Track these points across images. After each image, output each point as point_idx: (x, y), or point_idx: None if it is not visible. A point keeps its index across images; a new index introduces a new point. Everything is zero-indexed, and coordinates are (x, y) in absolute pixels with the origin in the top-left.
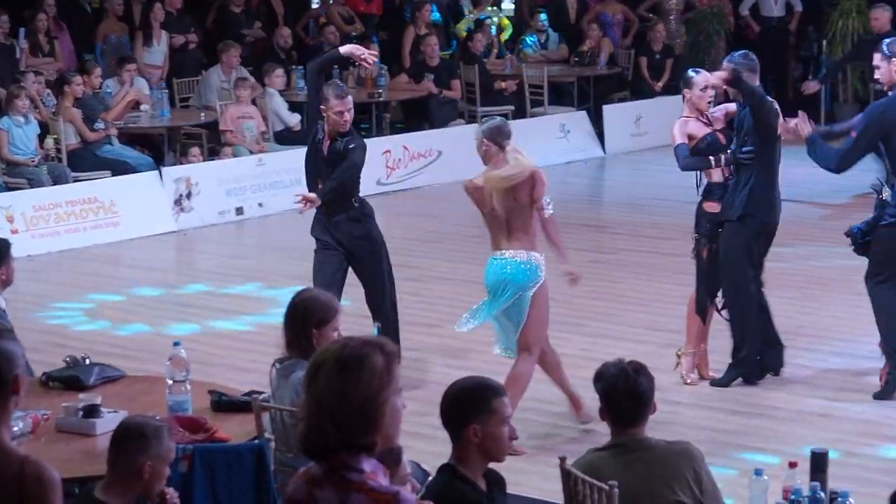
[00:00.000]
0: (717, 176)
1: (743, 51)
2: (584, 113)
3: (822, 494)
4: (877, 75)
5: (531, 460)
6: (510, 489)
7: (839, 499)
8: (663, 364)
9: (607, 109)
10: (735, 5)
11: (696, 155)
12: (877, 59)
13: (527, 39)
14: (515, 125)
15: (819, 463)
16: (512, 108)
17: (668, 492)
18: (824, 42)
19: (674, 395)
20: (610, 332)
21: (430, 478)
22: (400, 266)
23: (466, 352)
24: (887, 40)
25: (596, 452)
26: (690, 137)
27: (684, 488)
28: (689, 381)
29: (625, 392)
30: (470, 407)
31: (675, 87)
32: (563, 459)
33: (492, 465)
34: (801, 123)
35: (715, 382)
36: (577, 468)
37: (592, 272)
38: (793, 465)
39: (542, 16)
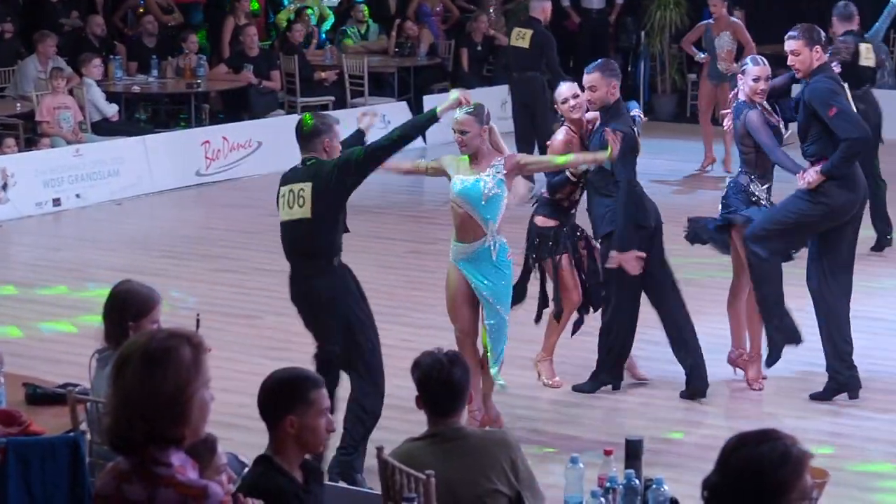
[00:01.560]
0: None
1: (602, 59)
2: (404, 104)
3: (637, 481)
4: (792, 62)
5: None
6: (327, 480)
7: (654, 485)
8: None
9: (428, 100)
10: None
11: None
12: (797, 45)
13: (347, 30)
14: (336, 116)
15: (634, 450)
16: (332, 98)
17: (484, 480)
18: (643, 33)
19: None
20: (431, 323)
21: (247, 469)
22: (219, 258)
23: (286, 343)
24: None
25: (413, 442)
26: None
27: (500, 476)
28: (552, 383)
29: (439, 382)
30: (287, 398)
31: (497, 78)
32: (380, 449)
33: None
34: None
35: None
36: (394, 458)
37: (412, 262)
38: (608, 452)
39: (363, 6)
